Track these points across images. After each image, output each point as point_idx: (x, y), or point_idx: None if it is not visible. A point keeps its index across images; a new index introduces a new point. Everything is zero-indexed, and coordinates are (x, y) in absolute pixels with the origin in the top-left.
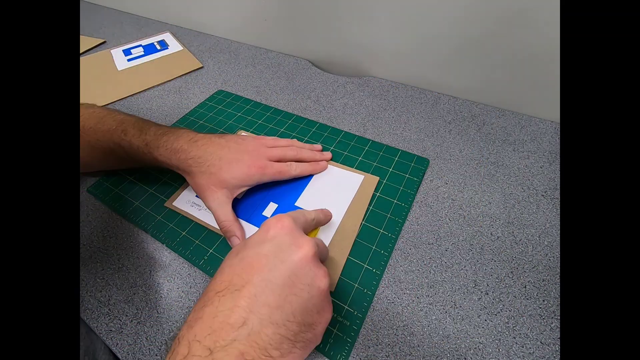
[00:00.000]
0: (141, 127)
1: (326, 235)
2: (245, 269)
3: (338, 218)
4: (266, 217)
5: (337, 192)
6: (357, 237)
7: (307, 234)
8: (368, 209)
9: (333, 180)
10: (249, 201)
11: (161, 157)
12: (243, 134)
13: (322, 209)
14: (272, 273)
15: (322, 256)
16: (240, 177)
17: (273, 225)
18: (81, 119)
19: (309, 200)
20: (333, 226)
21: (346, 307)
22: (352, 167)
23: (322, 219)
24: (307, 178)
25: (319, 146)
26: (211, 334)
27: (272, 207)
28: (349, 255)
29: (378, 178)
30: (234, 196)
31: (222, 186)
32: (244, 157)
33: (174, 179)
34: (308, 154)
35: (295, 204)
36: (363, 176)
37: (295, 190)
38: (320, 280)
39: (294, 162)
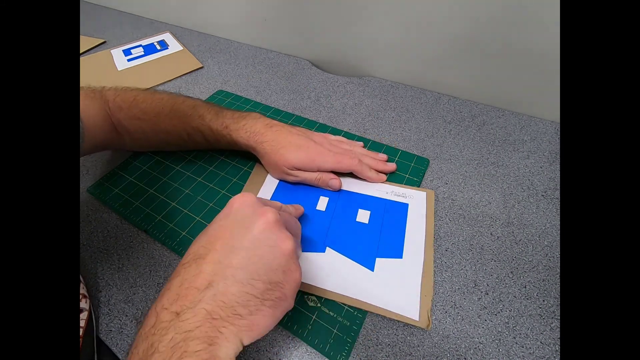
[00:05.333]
0: (216, 111)
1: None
2: (209, 239)
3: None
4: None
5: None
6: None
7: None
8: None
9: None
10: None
11: (240, 139)
12: None
13: (294, 204)
14: (235, 239)
15: (291, 229)
16: (303, 159)
17: (236, 200)
18: (155, 106)
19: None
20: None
21: (346, 307)
22: None
23: (291, 210)
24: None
25: (384, 156)
26: (177, 299)
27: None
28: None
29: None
30: (287, 178)
31: (290, 166)
32: (309, 144)
33: (174, 179)
34: (370, 162)
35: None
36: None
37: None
38: (283, 242)
39: (356, 158)
